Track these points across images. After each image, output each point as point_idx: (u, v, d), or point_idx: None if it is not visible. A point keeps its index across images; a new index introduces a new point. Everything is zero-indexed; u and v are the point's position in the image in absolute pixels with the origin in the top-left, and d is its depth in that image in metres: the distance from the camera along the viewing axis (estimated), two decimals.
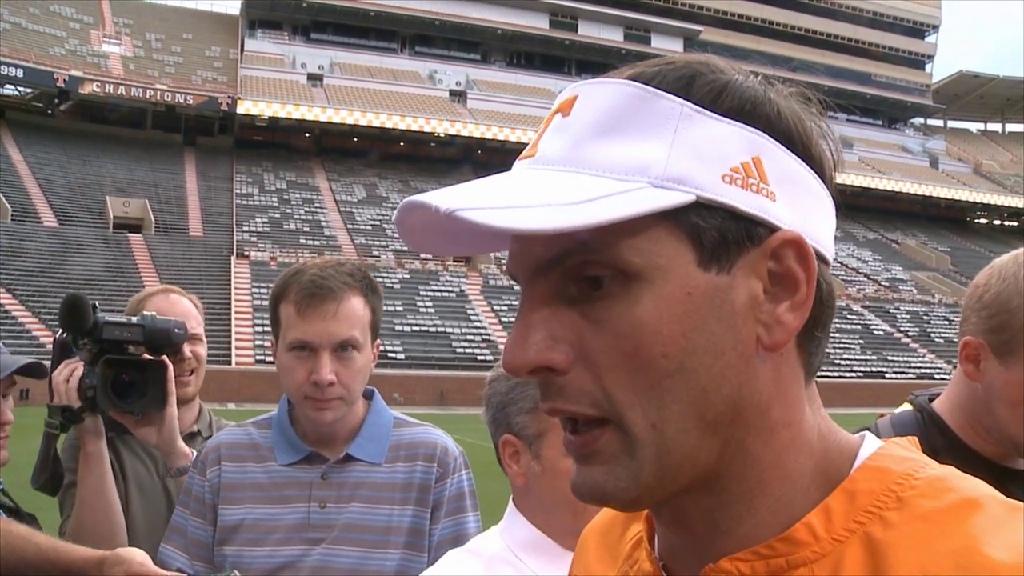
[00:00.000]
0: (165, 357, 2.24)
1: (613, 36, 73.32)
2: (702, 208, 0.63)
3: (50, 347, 2.30)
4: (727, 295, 0.64)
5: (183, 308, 2.50)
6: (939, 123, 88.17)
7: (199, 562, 1.97)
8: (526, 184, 0.64)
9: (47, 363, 2.23)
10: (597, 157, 0.64)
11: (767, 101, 0.67)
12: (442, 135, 62.87)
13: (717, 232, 0.63)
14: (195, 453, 2.27)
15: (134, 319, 2.24)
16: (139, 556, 1.78)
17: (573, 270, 0.64)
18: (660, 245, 0.63)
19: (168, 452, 2.25)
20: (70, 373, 2.16)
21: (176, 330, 2.27)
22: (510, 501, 1.52)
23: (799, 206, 0.66)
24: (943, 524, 0.61)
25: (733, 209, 0.64)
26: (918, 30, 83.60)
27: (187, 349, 2.41)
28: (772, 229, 0.65)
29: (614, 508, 0.68)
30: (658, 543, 0.75)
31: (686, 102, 0.65)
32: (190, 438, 2.44)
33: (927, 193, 71.98)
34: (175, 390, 2.24)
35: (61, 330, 2.24)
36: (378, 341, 2.02)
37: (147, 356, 2.24)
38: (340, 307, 1.87)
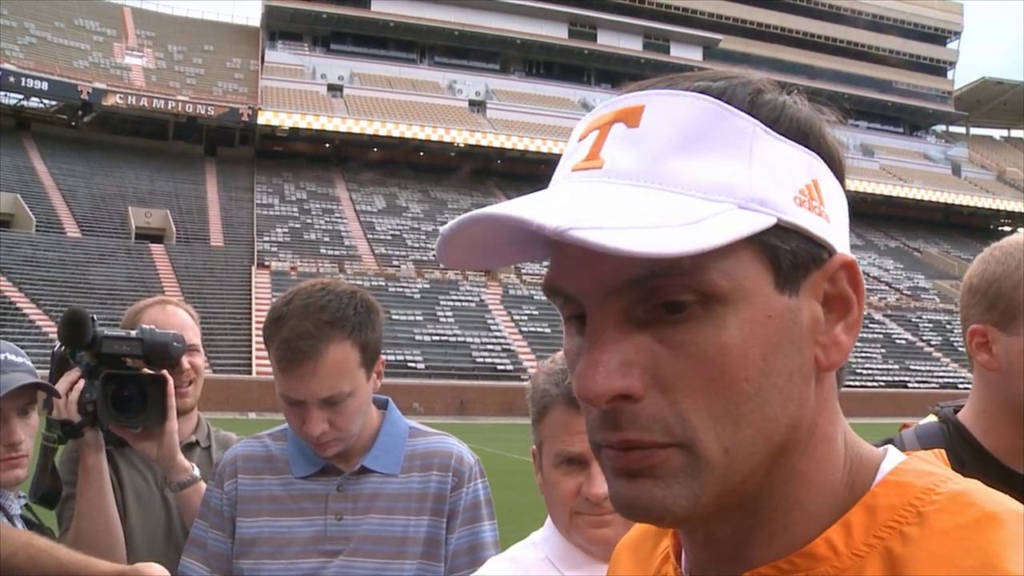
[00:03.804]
0: (165, 371, 2.23)
1: (632, 45, 73.32)
2: (780, 231, 0.63)
3: None
4: (797, 317, 0.64)
5: (180, 320, 2.48)
6: (961, 130, 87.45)
7: (219, 574, 1.96)
8: (616, 200, 0.61)
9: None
10: (681, 174, 0.63)
11: (817, 123, 0.68)
12: (462, 145, 62.99)
13: (792, 255, 0.64)
14: (195, 467, 2.27)
15: (133, 333, 2.23)
16: (157, 572, 1.78)
17: (649, 292, 0.62)
18: (744, 267, 0.62)
19: (168, 466, 2.24)
20: (69, 387, 2.15)
21: (175, 343, 2.26)
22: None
23: (842, 227, 0.68)
24: (964, 540, 0.60)
25: (805, 232, 0.64)
26: (940, 37, 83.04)
27: (185, 361, 2.39)
28: (831, 252, 0.66)
29: (658, 524, 0.68)
30: (685, 558, 0.76)
31: (756, 121, 0.64)
32: (188, 449, 2.43)
33: (949, 201, 71.39)
34: (175, 403, 2.23)
35: (59, 344, 2.23)
36: (382, 359, 1.97)
37: (146, 369, 2.23)
38: (319, 365, 1.80)
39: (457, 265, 0.70)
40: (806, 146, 0.66)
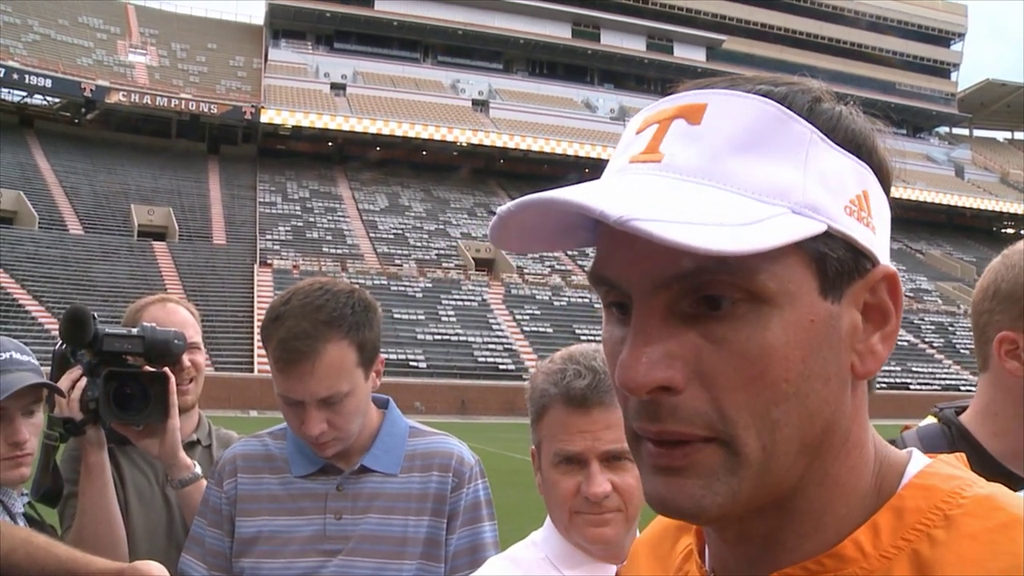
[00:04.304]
0: (167, 369, 2.24)
1: (635, 45, 73.22)
2: (829, 238, 0.64)
3: None
4: (837, 323, 0.65)
5: (181, 317, 2.48)
6: (965, 132, 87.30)
7: (217, 571, 1.97)
8: (675, 194, 0.62)
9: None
10: (739, 174, 0.64)
11: (871, 136, 0.69)
12: (464, 144, 62.96)
13: (838, 263, 0.65)
14: (196, 464, 2.28)
15: (134, 330, 2.23)
16: (156, 570, 1.78)
17: (696, 287, 0.63)
18: (792, 271, 0.63)
19: (170, 463, 2.24)
20: (72, 385, 2.16)
21: (176, 340, 2.26)
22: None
23: (885, 239, 0.69)
24: (992, 544, 0.62)
25: (852, 241, 0.65)
26: (943, 38, 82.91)
27: (186, 358, 2.39)
28: (874, 262, 0.67)
29: (692, 522, 0.70)
30: (709, 557, 0.76)
31: (814, 128, 0.65)
32: (189, 447, 2.43)
33: (952, 203, 71.30)
34: (177, 401, 2.23)
35: (60, 342, 2.23)
36: (381, 357, 1.97)
37: (147, 367, 2.24)
38: (316, 365, 1.80)
39: (508, 247, 0.70)
40: (858, 157, 0.67)
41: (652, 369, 0.63)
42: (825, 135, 0.66)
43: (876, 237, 0.67)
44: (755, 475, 0.64)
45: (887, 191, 0.70)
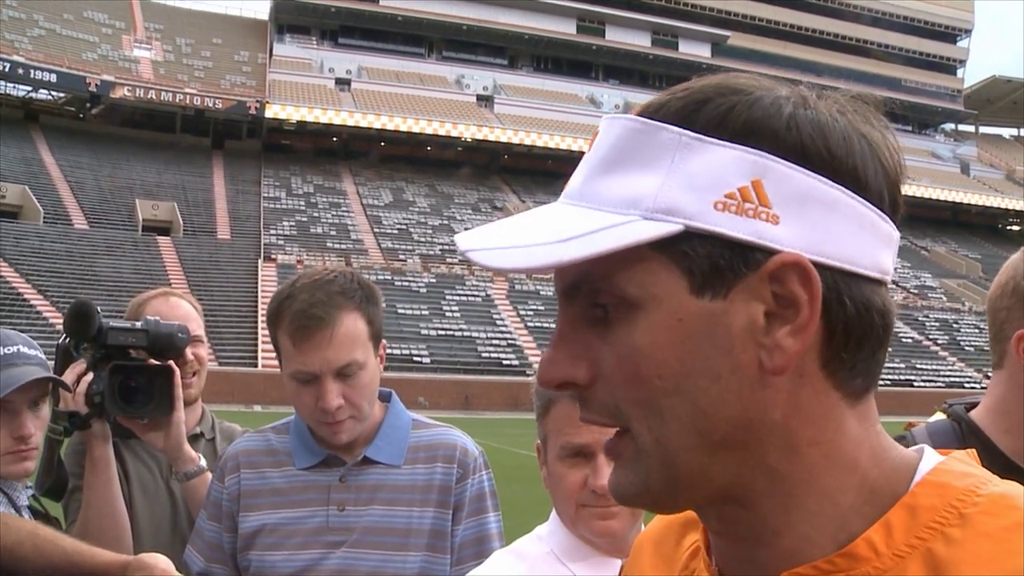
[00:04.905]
0: (172, 363, 2.24)
1: (640, 41, 73.10)
2: (692, 237, 0.65)
3: None
4: (722, 320, 0.65)
5: (184, 311, 2.49)
6: (970, 128, 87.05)
7: (214, 563, 1.99)
8: (539, 221, 0.68)
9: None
10: (600, 191, 0.68)
11: (777, 118, 0.66)
12: (469, 140, 62.96)
13: (708, 260, 0.65)
14: (201, 457, 2.29)
15: (138, 324, 2.24)
16: (162, 562, 1.78)
17: (589, 296, 0.68)
18: (653, 275, 0.65)
19: (175, 457, 2.25)
20: (77, 379, 2.16)
21: (179, 334, 2.27)
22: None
23: (812, 225, 0.66)
24: (1008, 542, 0.61)
25: (724, 236, 0.64)
26: (950, 35, 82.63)
27: (189, 352, 2.40)
28: (772, 253, 0.65)
29: (638, 507, 0.72)
30: (715, 554, 0.76)
31: (685, 131, 0.66)
32: (193, 440, 2.43)
33: (958, 200, 71.04)
34: (181, 394, 2.24)
35: (64, 335, 2.24)
36: (384, 343, 1.99)
37: (151, 361, 2.24)
38: (335, 333, 1.84)
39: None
40: (752, 146, 0.65)
41: (554, 368, 0.70)
42: (704, 133, 0.66)
43: (779, 226, 0.65)
44: (659, 466, 0.67)
45: (830, 170, 0.66)
